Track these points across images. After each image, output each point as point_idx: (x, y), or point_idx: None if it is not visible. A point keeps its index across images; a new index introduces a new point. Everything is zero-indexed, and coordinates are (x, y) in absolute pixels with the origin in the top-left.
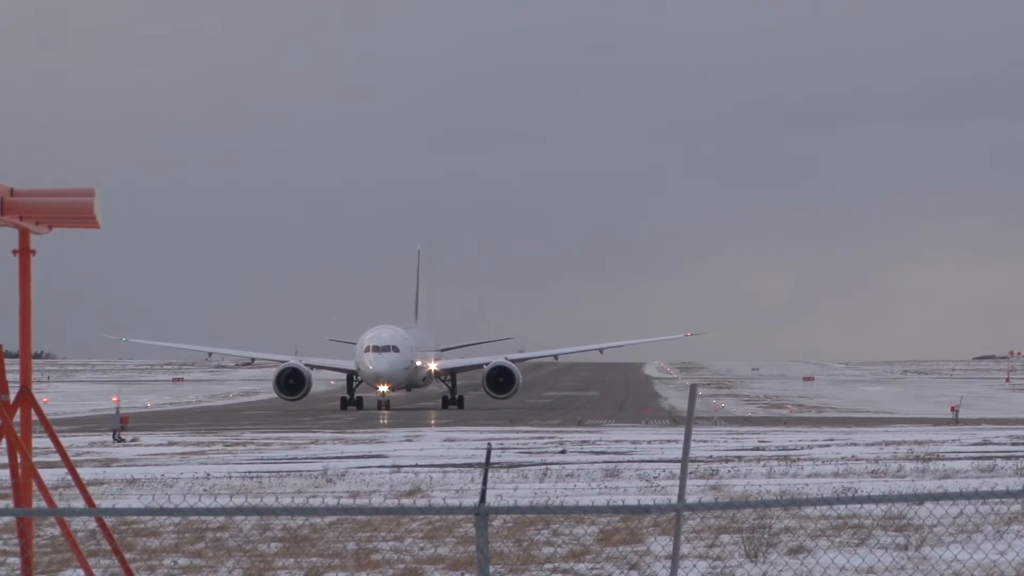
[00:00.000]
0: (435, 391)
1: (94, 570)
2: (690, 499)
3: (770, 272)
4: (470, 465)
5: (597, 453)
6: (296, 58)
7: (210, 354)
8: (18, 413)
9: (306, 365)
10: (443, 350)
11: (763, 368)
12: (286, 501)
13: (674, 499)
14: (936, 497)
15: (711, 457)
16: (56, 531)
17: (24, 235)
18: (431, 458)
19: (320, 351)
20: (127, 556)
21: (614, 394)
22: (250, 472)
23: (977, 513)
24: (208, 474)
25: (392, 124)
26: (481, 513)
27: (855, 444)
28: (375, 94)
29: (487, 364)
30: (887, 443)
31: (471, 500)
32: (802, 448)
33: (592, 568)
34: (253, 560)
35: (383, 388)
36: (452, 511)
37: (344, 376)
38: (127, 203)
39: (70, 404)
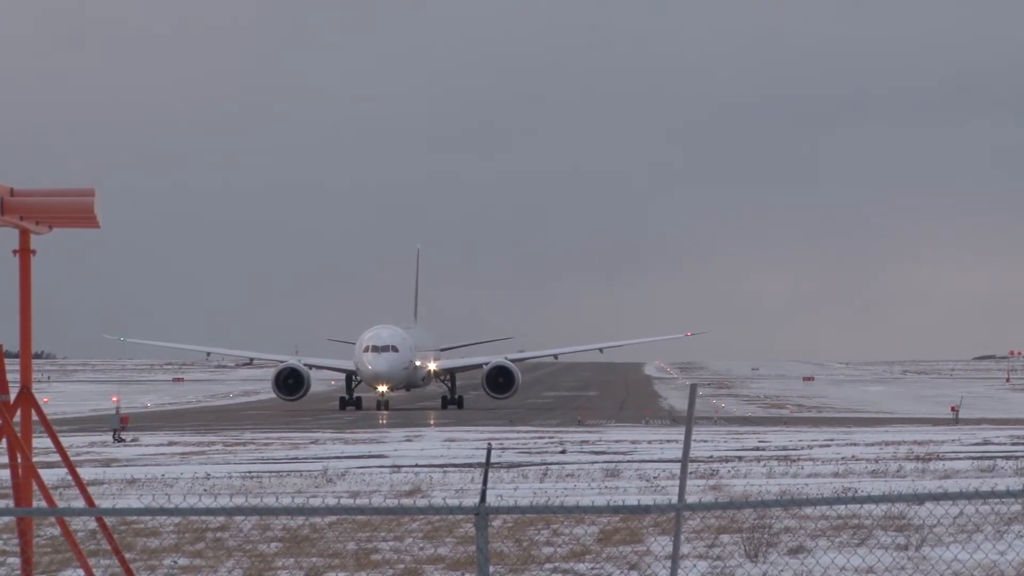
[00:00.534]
0: (435, 391)
1: (94, 570)
2: (690, 499)
3: (770, 272)
4: (470, 465)
5: (597, 453)
6: (296, 58)
7: (209, 354)
8: (18, 413)
9: (305, 365)
10: (442, 350)
11: (763, 368)
12: (286, 501)
13: (674, 499)
14: (936, 497)
15: (711, 457)
16: (56, 531)
17: (24, 235)
18: (431, 458)
19: (321, 351)
20: (127, 556)
21: (614, 394)
22: (250, 472)
23: (977, 513)
24: (208, 474)
25: (392, 124)
26: (481, 513)
27: (855, 444)
28: (375, 94)
29: (487, 364)
30: (887, 443)
31: (471, 500)
32: (802, 448)
33: (592, 568)
34: (253, 560)
35: (382, 388)
36: (452, 511)
37: (343, 376)
38: (127, 203)
39: (70, 404)
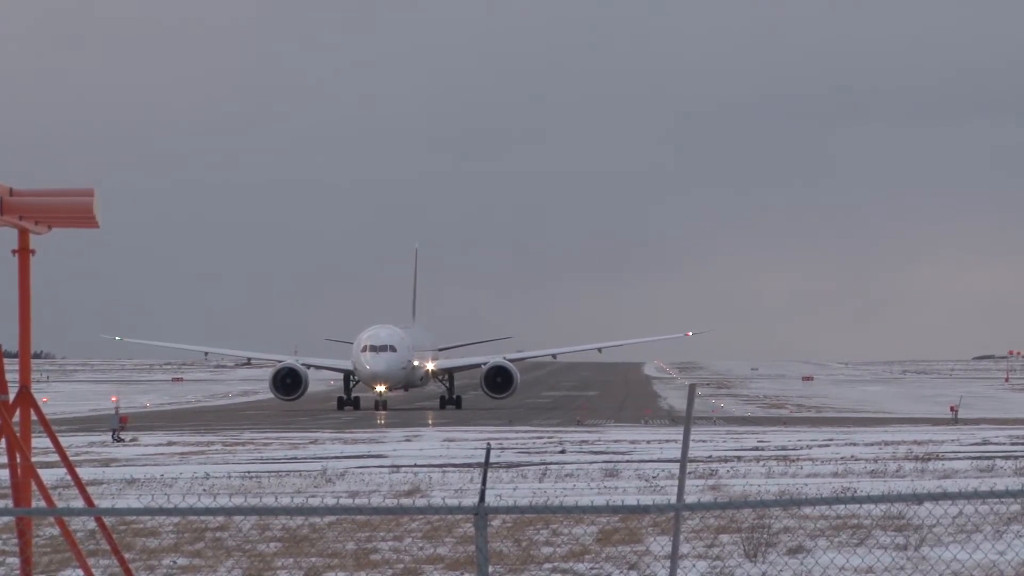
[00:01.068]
0: (433, 391)
1: (93, 570)
2: (689, 499)
3: (770, 272)
4: (469, 465)
5: (596, 453)
6: (295, 57)
7: (207, 354)
8: (17, 413)
9: (303, 365)
10: (441, 349)
11: (762, 368)
12: (285, 501)
13: (673, 499)
14: (935, 497)
15: (710, 457)
16: (55, 531)
17: (24, 235)
18: (430, 458)
19: (321, 351)
20: (126, 556)
21: (613, 394)
22: (249, 472)
23: (976, 513)
24: (207, 474)
25: (391, 124)
26: (480, 513)
27: (854, 444)
28: (375, 94)
29: (485, 364)
30: (886, 443)
31: (470, 500)
32: (801, 448)
33: (591, 568)
34: (252, 560)
35: (380, 388)
36: (451, 511)
37: (342, 376)
38: (127, 203)
39: (69, 404)
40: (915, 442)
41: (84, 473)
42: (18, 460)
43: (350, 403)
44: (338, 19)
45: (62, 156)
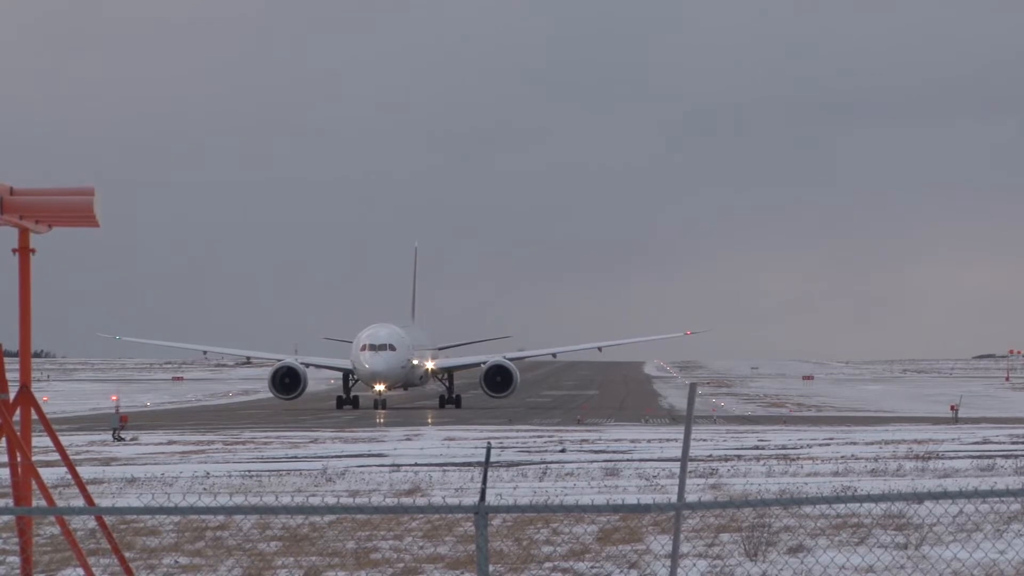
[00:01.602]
0: (433, 390)
1: (94, 569)
2: (690, 498)
3: (770, 271)
4: (470, 464)
5: (597, 452)
6: (295, 57)
7: (205, 352)
8: (18, 412)
9: (302, 364)
10: (440, 348)
11: (762, 367)
12: (286, 500)
13: (674, 498)
14: (936, 496)
15: (711, 456)
16: (56, 530)
17: (24, 234)
18: (431, 457)
19: (321, 350)
20: (127, 555)
21: (614, 393)
22: (250, 471)
23: (977, 512)
24: (208, 473)
25: (392, 122)
26: (481, 512)
27: (855, 443)
28: (375, 91)
29: (485, 363)
30: (887, 442)
31: (471, 499)
32: (801, 447)
33: (592, 567)
34: (253, 559)
35: (379, 387)
36: (452, 510)
37: (341, 375)
38: (127, 203)
39: (70, 403)
40: (915, 441)
41: (84, 472)
42: (18, 459)
43: (349, 402)
44: (339, 16)
45: (60, 155)
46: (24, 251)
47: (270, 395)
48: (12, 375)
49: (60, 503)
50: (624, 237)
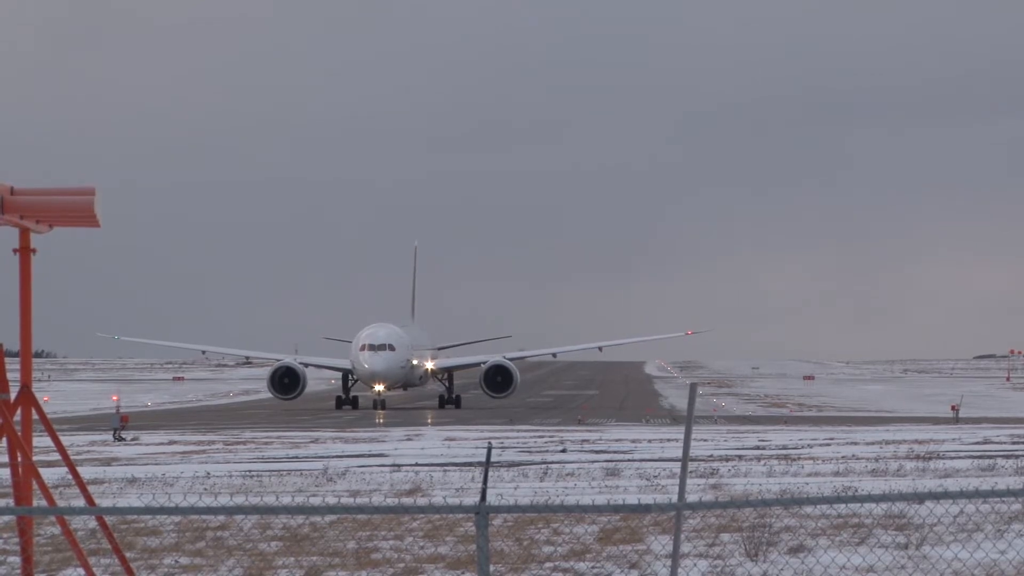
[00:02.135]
0: (433, 390)
1: (94, 569)
2: (690, 498)
3: (770, 271)
4: (470, 464)
5: (597, 452)
6: (295, 57)
7: (204, 352)
8: (18, 412)
9: (301, 364)
10: (440, 348)
11: (763, 367)
12: (286, 500)
13: (674, 498)
14: (936, 496)
15: (711, 456)
16: (56, 530)
17: (24, 234)
18: (431, 457)
19: (322, 350)
20: (127, 555)
21: (614, 393)
22: (250, 471)
23: (977, 512)
24: (208, 473)
25: (393, 122)
26: (481, 512)
27: (855, 443)
28: (375, 92)
29: (485, 363)
30: (887, 442)
31: (471, 499)
32: (802, 447)
33: (592, 567)
34: (253, 559)
35: (379, 387)
36: (452, 510)
37: (341, 375)
38: (129, 202)
39: (70, 403)
40: (916, 441)
41: (85, 472)
42: (19, 459)
43: (348, 402)
44: (339, 17)
45: (60, 155)
46: (25, 251)
47: (270, 395)
48: (13, 375)
49: (61, 503)
50: (624, 237)
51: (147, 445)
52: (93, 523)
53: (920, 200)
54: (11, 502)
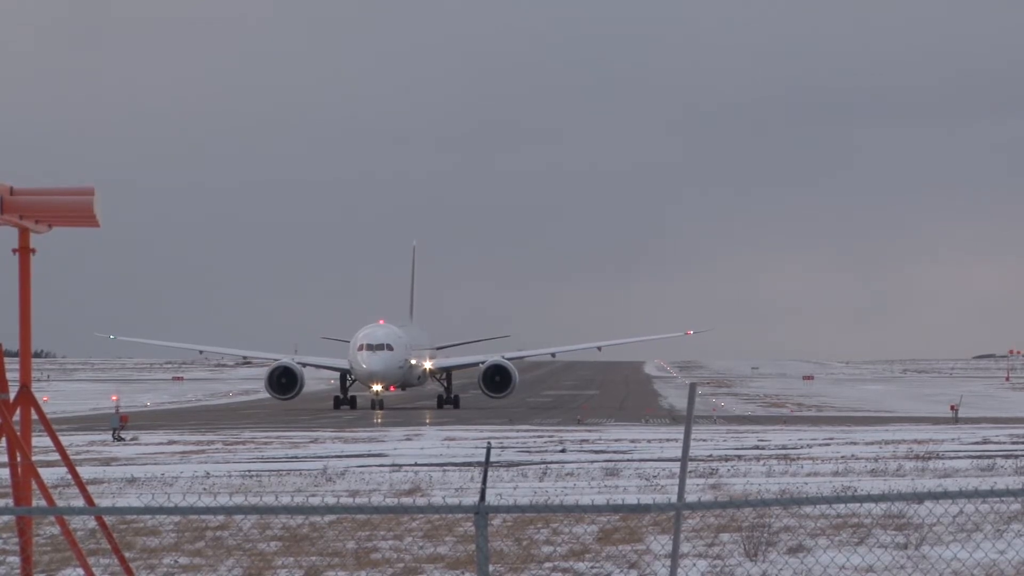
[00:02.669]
0: (431, 390)
1: (94, 569)
2: (690, 498)
3: (770, 271)
4: (470, 464)
5: (597, 452)
6: (296, 57)
7: (201, 352)
8: (18, 412)
9: (299, 364)
10: (439, 348)
11: (763, 367)
12: (286, 500)
13: (674, 498)
14: (936, 496)
15: (711, 456)
16: (56, 530)
17: (24, 234)
18: (431, 457)
19: (321, 349)
20: (127, 555)
21: (614, 393)
22: (250, 471)
23: (977, 512)
24: (208, 473)
25: (393, 122)
26: (481, 512)
27: (855, 443)
28: (376, 92)
29: (484, 363)
30: (887, 442)
31: (471, 499)
32: (802, 447)
33: (592, 567)
34: (253, 559)
35: (377, 387)
36: (452, 510)
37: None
38: (129, 202)
39: (70, 403)
40: (915, 441)
41: (84, 472)
42: (18, 459)
43: (346, 402)
44: (340, 17)
45: (62, 155)
46: (24, 251)
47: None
48: (12, 375)
49: (60, 503)
50: (624, 237)
51: (146, 445)
52: (92, 523)
53: (920, 200)
54: (11, 502)
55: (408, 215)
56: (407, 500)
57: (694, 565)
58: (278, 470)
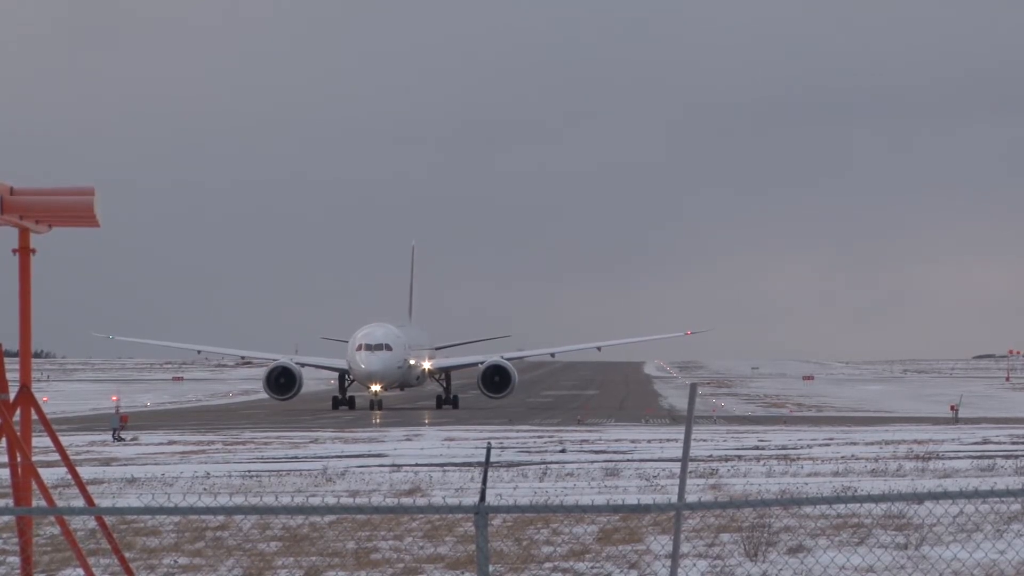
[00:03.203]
0: (431, 391)
1: (94, 569)
2: (690, 498)
3: (770, 271)
4: (470, 464)
5: (597, 452)
6: (296, 57)
7: (200, 352)
8: (18, 412)
9: (297, 364)
10: (438, 348)
11: (763, 367)
12: (286, 500)
13: (674, 498)
14: (936, 496)
15: (711, 456)
16: (56, 530)
17: (24, 234)
18: (431, 457)
19: (321, 350)
20: (127, 555)
21: (614, 393)
22: (250, 471)
23: (977, 512)
24: (208, 473)
25: (392, 121)
26: (481, 512)
27: (855, 443)
28: (375, 91)
29: (483, 363)
30: (887, 442)
31: (471, 499)
32: (802, 447)
33: (592, 567)
34: (253, 559)
35: (375, 387)
36: (452, 510)
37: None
38: (129, 202)
39: (70, 403)
40: (915, 441)
41: (84, 472)
42: (18, 459)
43: (345, 403)
44: (340, 16)
45: (62, 155)
46: (24, 251)
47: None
48: (12, 375)
49: (60, 503)
50: (624, 237)
51: (146, 445)
52: (92, 523)
53: (920, 200)
54: (11, 502)
55: (408, 215)
56: (407, 500)
57: (694, 565)
58: (278, 470)
